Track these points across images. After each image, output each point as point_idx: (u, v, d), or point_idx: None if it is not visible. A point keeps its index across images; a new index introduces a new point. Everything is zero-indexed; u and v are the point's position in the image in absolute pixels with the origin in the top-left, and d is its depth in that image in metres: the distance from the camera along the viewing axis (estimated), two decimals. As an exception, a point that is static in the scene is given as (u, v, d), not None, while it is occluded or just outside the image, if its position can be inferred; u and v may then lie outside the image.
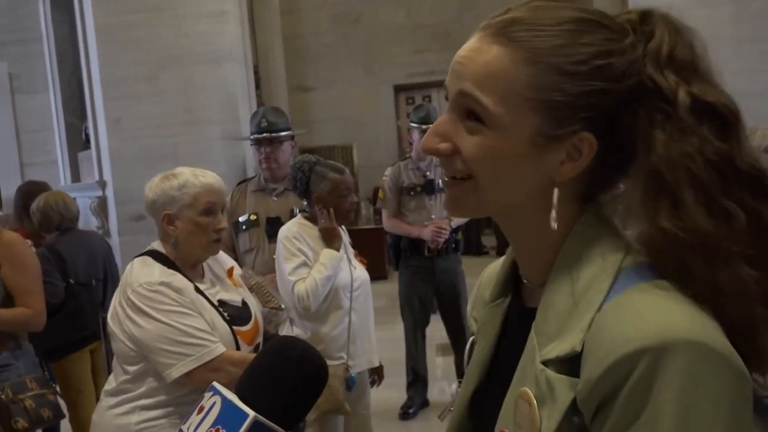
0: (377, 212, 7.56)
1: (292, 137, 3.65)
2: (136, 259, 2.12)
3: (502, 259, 0.94)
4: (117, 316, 2.04)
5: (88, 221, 5.42)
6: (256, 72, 7.00)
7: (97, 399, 2.38)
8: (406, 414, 4.37)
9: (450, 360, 4.73)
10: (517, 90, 0.75)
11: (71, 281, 3.64)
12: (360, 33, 10.38)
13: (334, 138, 10.03)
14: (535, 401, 0.73)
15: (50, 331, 3.11)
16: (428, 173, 4.38)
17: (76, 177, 6.60)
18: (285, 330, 2.80)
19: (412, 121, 4.50)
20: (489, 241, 9.72)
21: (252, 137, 3.62)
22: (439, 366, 5.16)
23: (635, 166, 0.76)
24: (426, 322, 4.52)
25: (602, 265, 0.75)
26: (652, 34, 0.77)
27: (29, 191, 4.11)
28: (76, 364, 3.67)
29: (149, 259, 2.09)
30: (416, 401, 4.44)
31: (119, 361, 2.07)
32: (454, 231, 4.36)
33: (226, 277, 2.28)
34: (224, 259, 2.34)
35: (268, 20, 9.39)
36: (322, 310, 2.76)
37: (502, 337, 0.89)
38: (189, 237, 2.10)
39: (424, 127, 4.32)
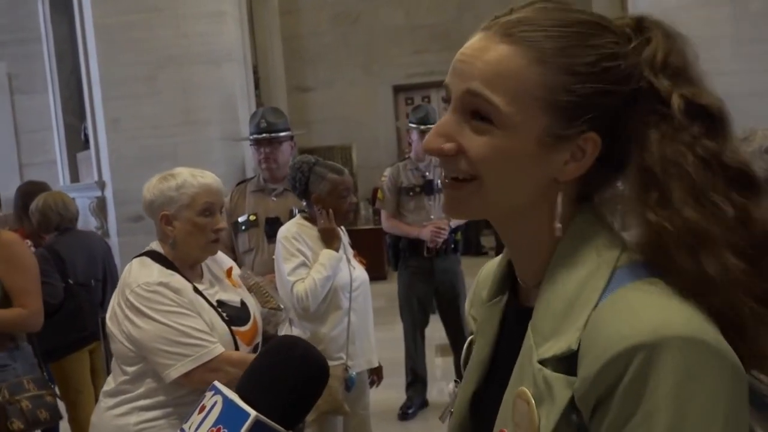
0: (376, 213, 7.56)
1: (291, 138, 3.65)
2: (134, 260, 2.12)
3: (499, 257, 0.94)
4: (115, 316, 2.04)
5: (87, 221, 5.41)
6: (255, 72, 7.01)
7: (96, 399, 2.37)
8: (405, 414, 4.36)
9: (449, 360, 4.73)
10: (528, 90, 0.75)
11: (70, 282, 3.64)
12: (359, 33, 10.38)
13: (333, 138, 10.03)
14: (533, 400, 0.73)
15: (49, 331, 3.10)
16: (427, 174, 4.38)
17: (75, 177, 6.60)
18: (284, 330, 2.80)
19: (410, 122, 4.49)
20: (488, 241, 9.72)
21: (251, 138, 3.62)
22: (439, 366, 5.16)
23: (629, 165, 0.78)
24: (425, 323, 4.52)
25: (597, 263, 0.76)
26: (649, 40, 0.79)
27: (29, 191, 4.11)
28: (75, 365, 3.67)
29: (148, 260, 2.09)
30: (415, 402, 4.44)
31: (118, 362, 2.07)
32: (453, 231, 4.36)
33: (225, 277, 2.27)
34: (223, 259, 2.34)
35: (267, 20, 9.40)
36: (321, 311, 2.76)
37: (500, 337, 0.89)
38: (187, 237, 2.10)
39: (422, 127, 4.32)
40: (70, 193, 4.79)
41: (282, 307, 2.70)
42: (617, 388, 0.67)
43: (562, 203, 0.79)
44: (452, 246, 4.37)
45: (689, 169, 0.73)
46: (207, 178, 2.15)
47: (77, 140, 6.60)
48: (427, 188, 4.37)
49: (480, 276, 1.00)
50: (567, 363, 0.72)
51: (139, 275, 2.03)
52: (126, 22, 5.19)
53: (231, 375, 1.86)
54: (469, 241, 8.90)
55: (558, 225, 0.79)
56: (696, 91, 0.77)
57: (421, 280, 4.37)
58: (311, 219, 2.86)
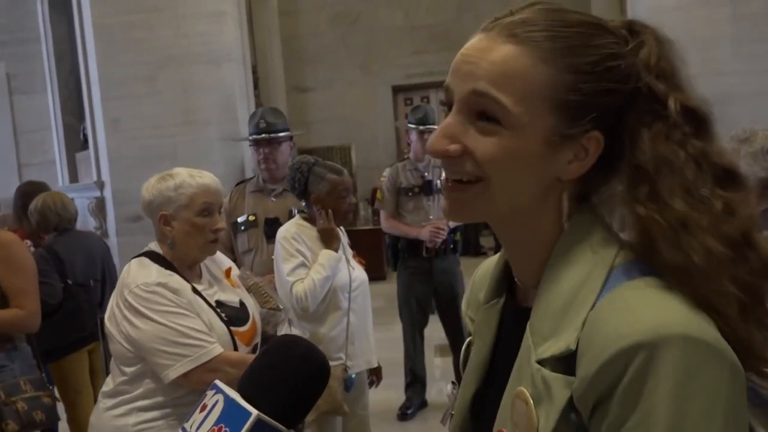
0: (375, 213, 7.56)
1: (290, 138, 3.64)
2: (133, 260, 2.12)
3: (496, 257, 0.94)
4: (114, 317, 2.03)
5: (86, 222, 5.41)
6: (254, 72, 7.01)
7: (95, 400, 2.37)
8: (404, 415, 4.36)
9: (448, 361, 4.73)
10: (535, 89, 0.76)
11: (69, 282, 3.63)
12: (358, 34, 10.38)
13: (332, 139, 10.03)
14: (531, 401, 0.73)
15: (48, 331, 3.10)
16: (426, 174, 4.38)
17: (74, 177, 6.60)
18: (283, 331, 2.79)
19: (410, 122, 4.49)
20: (487, 241, 9.73)
21: (250, 138, 3.61)
22: (438, 367, 5.16)
23: (623, 163, 0.79)
24: (424, 323, 4.52)
25: (595, 263, 0.76)
26: (642, 43, 0.80)
27: (28, 191, 4.11)
28: (74, 365, 3.66)
29: (146, 260, 2.09)
30: (414, 402, 4.44)
31: (116, 363, 2.07)
32: (452, 231, 4.36)
33: (224, 277, 2.27)
34: (222, 259, 2.34)
35: (266, 21, 9.39)
36: (321, 311, 2.75)
37: (498, 338, 0.90)
38: (186, 237, 2.10)
39: (421, 127, 4.32)
40: (69, 193, 4.78)
41: (281, 307, 2.70)
42: (617, 387, 0.67)
43: (564, 200, 0.80)
44: (451, 246, 4.37)
45: (681, 166, 0.76)
46: (205, 178, 2.14)
47: (76, 140, 6.61)
48: (426, 188, 4.37)
49: (476, 276, 1.00)
50: (565, 363, 0.72)
51: (138, 275, 2.03)
52: (126, 22, 5.19)
53: (230, 375, 1.85)
54: (468, 241, 8.91)
55: (566, 223, 0.80)
56: (685, 94, 0.79)
57: (420, 280, 4.37)
58: (310, 219, 2.86)
